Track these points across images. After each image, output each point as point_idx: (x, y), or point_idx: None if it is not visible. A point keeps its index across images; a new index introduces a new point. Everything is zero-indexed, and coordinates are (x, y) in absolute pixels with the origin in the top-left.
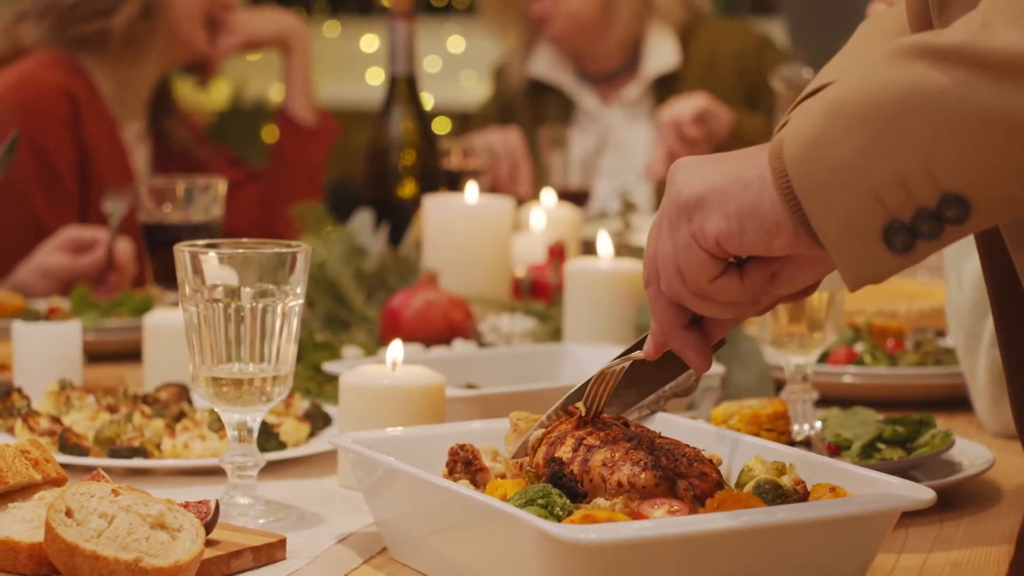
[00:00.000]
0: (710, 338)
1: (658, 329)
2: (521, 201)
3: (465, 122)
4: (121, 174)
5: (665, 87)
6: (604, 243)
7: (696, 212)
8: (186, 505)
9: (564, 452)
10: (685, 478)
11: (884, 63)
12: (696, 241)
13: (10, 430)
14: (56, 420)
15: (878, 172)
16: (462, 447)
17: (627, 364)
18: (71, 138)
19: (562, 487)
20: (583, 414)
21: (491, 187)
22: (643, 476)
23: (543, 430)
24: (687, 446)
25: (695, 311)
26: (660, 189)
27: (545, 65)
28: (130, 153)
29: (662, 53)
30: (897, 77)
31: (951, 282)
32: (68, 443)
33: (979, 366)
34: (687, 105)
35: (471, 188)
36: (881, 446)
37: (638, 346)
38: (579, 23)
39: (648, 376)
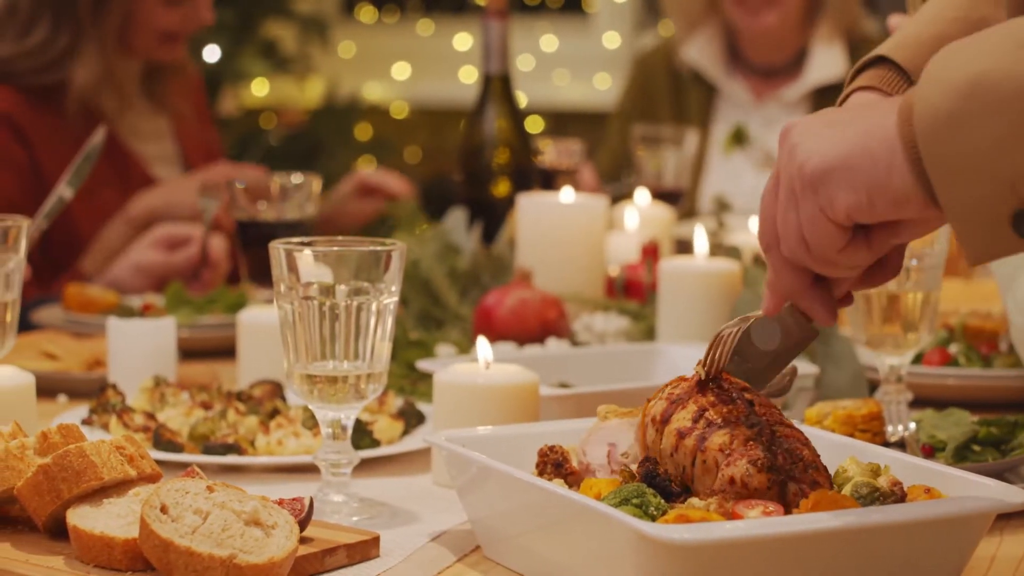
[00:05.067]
0: (836, 291)
1: (783, 290)
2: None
3: (559, 121)
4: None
5: (826, 97)
6: (700, 240)
7: (823, 186)
8: (280, 502)
9: (683, 418)
10: (798, 483)
11: None
12: (824, 214)
13: (105, 426)
14: (151, 416)
15: (1016, 162)
16: (552, 448)
17: (745, 326)
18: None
19: (656, 486)
20: (702, 377)
21: None
22: (757, 478)
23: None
24: (806, 446)
25: (821, 274)
26: None
27: (699, 53)
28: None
29: (829, 62)
30: None
31: (1009, 307)
32: (162, 439)
33: None
34: None
35: (565, 187)
36: (975, 448)
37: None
38: (790, 20)
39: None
